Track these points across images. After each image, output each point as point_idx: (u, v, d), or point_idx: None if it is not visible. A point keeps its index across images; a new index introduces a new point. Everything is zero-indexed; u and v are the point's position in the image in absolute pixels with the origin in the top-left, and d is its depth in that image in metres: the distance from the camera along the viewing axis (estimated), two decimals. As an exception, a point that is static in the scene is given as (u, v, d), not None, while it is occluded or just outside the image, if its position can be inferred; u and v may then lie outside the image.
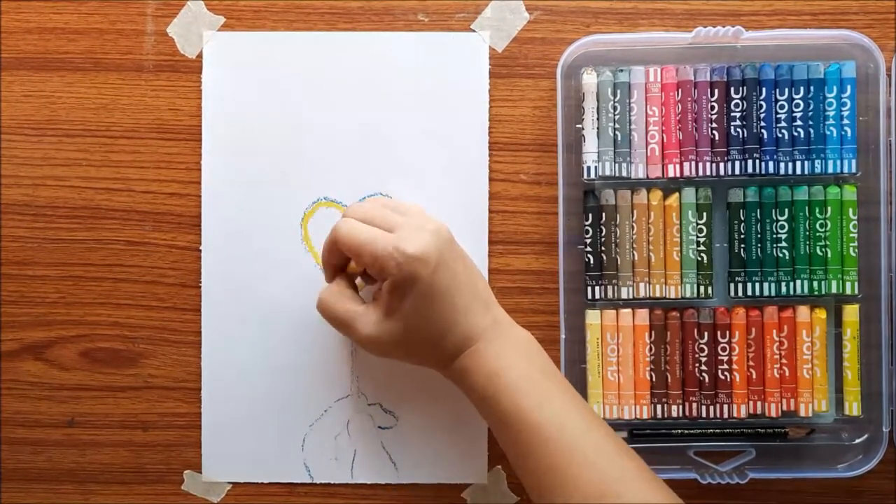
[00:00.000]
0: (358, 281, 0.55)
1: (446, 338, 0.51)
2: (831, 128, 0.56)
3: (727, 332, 0.56)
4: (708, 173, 0.56)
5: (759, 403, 0.56)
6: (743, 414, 0.56)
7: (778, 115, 0.56)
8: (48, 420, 0.59)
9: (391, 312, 0.51)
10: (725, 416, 0.56)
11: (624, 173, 0.56)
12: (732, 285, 0.56)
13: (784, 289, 0.56)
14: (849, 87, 0.56)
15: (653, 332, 0.56)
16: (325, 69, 0.58)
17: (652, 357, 0.56)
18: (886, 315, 0.56)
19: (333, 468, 0.59)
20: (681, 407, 0.56)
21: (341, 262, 0.54)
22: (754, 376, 0.56)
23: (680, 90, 0.56)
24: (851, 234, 0.56)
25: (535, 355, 0.52)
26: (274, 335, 0.58)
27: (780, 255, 0.56)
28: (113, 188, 0.59)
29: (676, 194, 0.56)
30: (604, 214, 0.56)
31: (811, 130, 0.56)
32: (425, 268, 0.49)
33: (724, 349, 0.56)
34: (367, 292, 0.56)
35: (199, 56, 0.58)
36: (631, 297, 0.56)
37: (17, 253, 0.59)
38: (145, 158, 0.59)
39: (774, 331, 0.56)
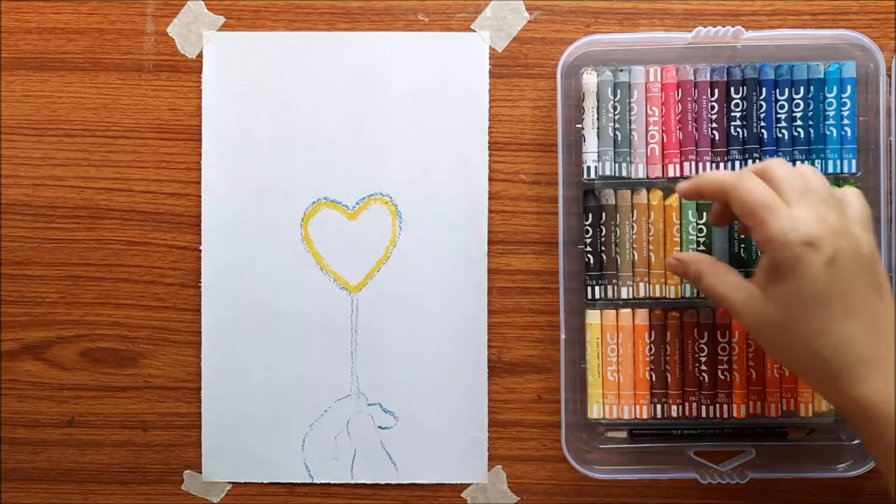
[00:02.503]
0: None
1: (819, 351, 0.45)
2: (831, 128, 0.56)
3: (727, 332, 0.56)
4: (708, 173, 0.56)
5: (759, 403, 0.56)
6: (743, 414, 0.56)
7: (778, 115, 0.56)
8: (48, 420, 0.59)
9: (766, 291, 0.46)
10: (725, 416, 0.56)
11: (624, 173, 0.56)
12: (732, 285, 0.56)
13: (784, 289, 0.56)
14: (849, 87, 0.56)
15: (653, 332, 0.56)
16: (325, 69, 0.58)
17: (652, 357, 0.56)
18: (886, 315, 0.56)
19: (333, 468, 0.59)
20: (681, 407, 0.56)
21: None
22: (754, 376, 0.56)
23: (680, 90, 0.56)
24: (851, 234, 0.56)
25: None
26: (274, 335, 0.58)
27: (780, 255, 0.56)
28: (113, 188, 0.59)
29: (676, 194, 0.56)
30: (604, 214, 0.56)
31: (811, 130, 0.56)
32: (815, 255, 0.44)
33: (723, 349, 0.56)
34: None
35: (199, 56, 0.58)
36: (631, 297, 0.56)
37: (17, 253, 0.59)
38: (145, 158, 0.59)
39: (774, 331, 0.56)
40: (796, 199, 0.46)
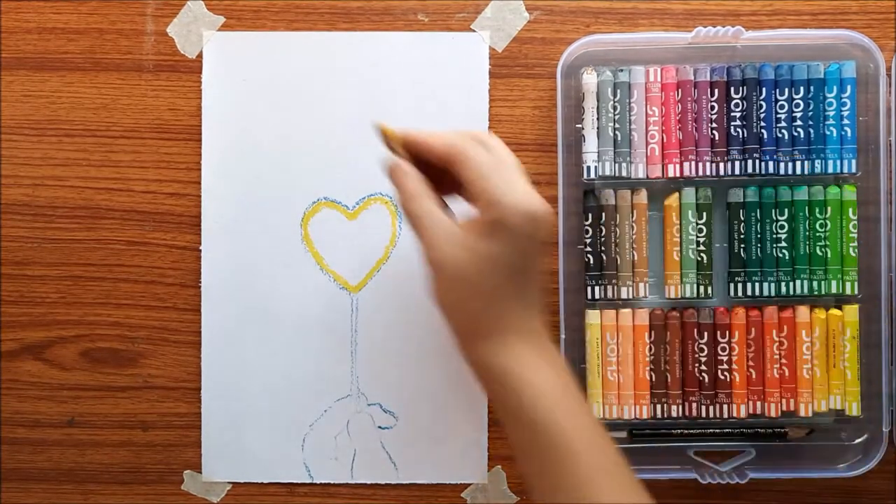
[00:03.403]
0: None
1: (494, 307, 0.47)
2: (831, 128, 0.56)
3: (727, 332, 0.56)
4: (708, 173, 0.56)
5: (758, 403, 0.56)
6: (743, 414, 0.56)
7: (778, 115, 0.56)
8: (48, 420, 0.59)
9: (467, 240, 0.47)
10: (725, 416, 0.56)
11: (624, 173, 0.56)
12: (732, 285, 0.56)
13: (784, 289, 0.56)
14: (849, 87, 0.56)
15: (653, 332, 0.56)
16: (325, 69, 0.58)
17: (652, 357, 0.56)
18: (886, 315, 0.56)
19: (333, 468, 0.59)
20: (681, 407, 0.56)
21: (413, 159, 0.50)
22: (754, 376, 0.56)
23: (680, 90, 0.56)
24: (851, 234, 0.56)
25: (569, 375, 0.48)
26: (274, 335, 0.58)
27: (780, 255, 0.56)
28: (113, 188, 0.59)
29: (676, 194, 0.56)
30: (604, 214, 0.56)
31: (811, 130, 0.56)
32: (530, 230, 0.46)
33: (723, 349, 0.56)
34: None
35: (199, 56, 0.58)
36: (631, 297, 0.56)
37: (17, 253, 0.59)
38: (145, 158, 0.59)
39: (774, 331, 0.56)
40: (518, 174, 0.47)
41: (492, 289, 0.47)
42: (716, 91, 0.56)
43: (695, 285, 0.56)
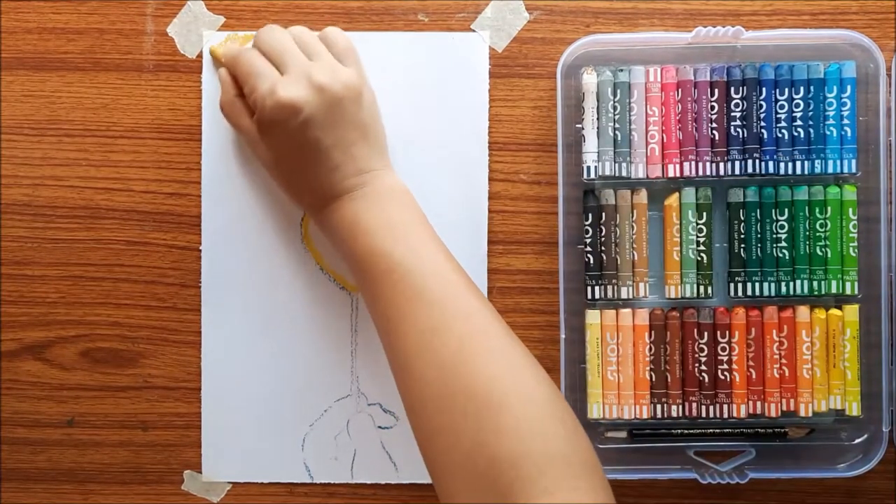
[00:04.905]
0: None
1: (304, 187, 0.53)
2: (831, 128, 0.56)
3: (727, 332, 0.56)
4: (708, 173, 0.56)
5: (758, 403, 0.56)
6: (743, 414, 0.56)
7: (778, 115, 0.56)
8: (48, 420, 0.59)
9: (261, 137, 0.53)
10: (725, 416, 0.56)
11: (624, 173, 0.56)
12: (732, 285, 0.56)
13: (784, 289, 0.56)
14: (849, 87, 0.56)
15: (653, 332, 0.56)
16: (325, 69, 0.58)
17: (652, 357, 0.56)
18: (886, 315, 0.56)
19: (333, 468, 0.59)
20: (681, 407, 0.56)
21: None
22: (754, 376, 0.56)
23: (680, 90, 0.56)
24: (851, 234, 0.56)
25: (404, 209, 0.53)
26: (274, 335, 0.58)
27: (780, 255, 0.56)
28: (113, 188, 0.59)
29: (676, 194, 0.57)
30: (604, 214, 0.56)
31: (811, 130, 0.56)
32: (292, 118, 0.51)
33: (723, 349, 0.56)
34: None
35: (199, 56, 0.58)
36: (631, 297, 0.56)
37: (17, 253, 0.59)
38: (145, 158, 0.59)
39: (774, 331, 0.56)
40: (286, 65, 0.52)
41: (288, 174, 0.54)
42: (716, 91, 0.56)
43: (695, 285, 0.56)
